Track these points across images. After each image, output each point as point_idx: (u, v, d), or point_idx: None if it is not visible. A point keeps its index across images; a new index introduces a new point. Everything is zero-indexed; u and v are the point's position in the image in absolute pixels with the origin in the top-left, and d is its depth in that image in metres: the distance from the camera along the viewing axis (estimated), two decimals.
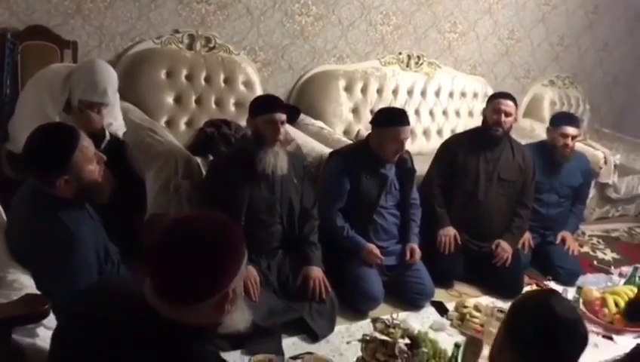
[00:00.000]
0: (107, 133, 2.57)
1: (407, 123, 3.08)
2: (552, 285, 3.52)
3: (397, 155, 3.10)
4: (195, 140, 3.58)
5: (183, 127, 3.68)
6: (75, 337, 1.30)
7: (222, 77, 3.83)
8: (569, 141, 3.69)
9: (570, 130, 3.67)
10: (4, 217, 2.08)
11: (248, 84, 3.91)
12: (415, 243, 3.22)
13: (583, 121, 5.33)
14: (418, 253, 3.20)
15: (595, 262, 4.21)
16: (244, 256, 1.28)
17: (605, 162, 4.78)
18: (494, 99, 3.52)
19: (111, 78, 2.59)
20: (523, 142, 3.87)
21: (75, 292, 1.48)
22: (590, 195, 4.81)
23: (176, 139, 3.32)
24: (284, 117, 2.74)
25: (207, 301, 1.22)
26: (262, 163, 2.71)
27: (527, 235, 3.68)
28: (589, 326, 3.13)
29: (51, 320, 1.67)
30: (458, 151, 3.51)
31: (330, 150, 3.42)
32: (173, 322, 1.22)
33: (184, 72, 3.70)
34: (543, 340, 1.49)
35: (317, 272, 2.83)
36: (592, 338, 3.04)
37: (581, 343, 1.53)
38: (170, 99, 3.65)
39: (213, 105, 3.79)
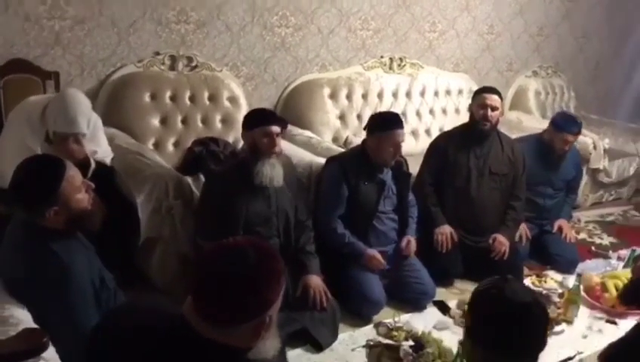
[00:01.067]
0: (92, 162, 2.56)
1: (402, 126, 3.12)
2: (552, 274, 3.53)
3: (394, 158, 3.12)
4: (184, 160, 3.58)
5: (170, 148, 3.68)
6: (110, 354, 1.33)
7: (206, 95, 3.83)
8: (568, 147, 3.73)
9: (572, 138, 3.72)
10: None
11: (233, 99, 3.92)
12: (412, 236, 3.24)
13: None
14: (413, 244, 3.21)
15: (593, 248, 4.22)
16: (283, 285, 1.33)
17: (595, 147, 4.82)
18: (479, 94, 3.54)
19: (80, 107, 2.54)
20: (512, 135, 3.89)
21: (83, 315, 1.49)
22: (583, 181, 4.84)
23: (165, 160, 3.32)
24: (279, 129, 2.77)
25: (245, 324, 1.27)
26: (259, 175, 2.72)
27: (524, 227, 3.68)
28: (592, 313, 3.17)
29: (51, 353, 1.66)
30: (448, 148, 3.51)
31: (319, 159, 3.42)
32: (210, 341, 1.26)
33: (168, 93, 3.71)
34: (500, 329, 1.48)
35: (316, 281, 2.82)
36: (596, 324, 3.08)
37: (537, 324, 1.51)
38: (156, 122, 3.64)
39: (200, 124, 3.79)
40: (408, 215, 3.29)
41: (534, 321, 1.51)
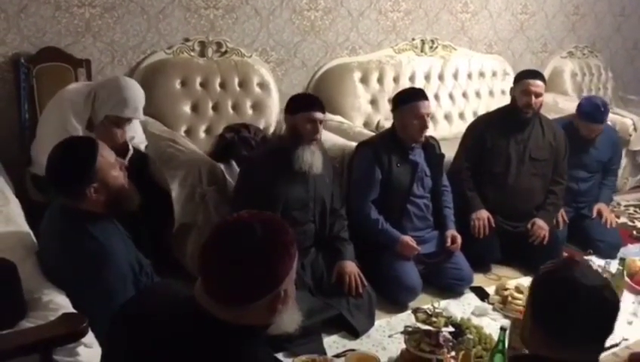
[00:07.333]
0: (130, 147, 2.57)
1: (425, 98, 3.04)
2: (594, 259, 3.42)
3: (422, 133, 3.04)
4: (215, 147, 3.56)
5: (202, 134, 3.66)
6: (125, 340, 1.29)
7: (236, 81, 3.79)
8: (594, 135, 3.59)
9: (597, 128, 3.54)
10: (35, 240, 2.08)
11: (263, 85, 3.87)
12: (454, 229, 3.16)
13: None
14: (459, 239, 3.13)
15: (635, 232, 4.10)
16: (295, 256, 1.26)
17: (635, 129, 4.66)
18: (522, 79, 3.38)
19: (141, 95, 2.65)
20: (548, 117, 3.76)
21: (123, 300, 1.47)
22: (622, 164, 4.69)
23: (197, 147, 3.29)
24: (322, 116, 2.74)
25: (258, 301, 1.20)
26: (298, 161, 2.69)
27: (561, 210, 3.58)
28: (637, 298, 3.07)
29: (90, 339, 1.65)
30: (486, 133, 3.41)
31: (352, 143, 3.36)
32: (225, 322, 1.20)
33: (198, 80, 3.68)
34: (569, 313, 1.40)
35: (351, 267, 2.78)
36: None
37: (610, 309, 1.43)
38: (187, 108, 3.62)
39: (231, 110, 3.76)
40: (444, 204, 3.22)
41: (607, 306, 1.42)
